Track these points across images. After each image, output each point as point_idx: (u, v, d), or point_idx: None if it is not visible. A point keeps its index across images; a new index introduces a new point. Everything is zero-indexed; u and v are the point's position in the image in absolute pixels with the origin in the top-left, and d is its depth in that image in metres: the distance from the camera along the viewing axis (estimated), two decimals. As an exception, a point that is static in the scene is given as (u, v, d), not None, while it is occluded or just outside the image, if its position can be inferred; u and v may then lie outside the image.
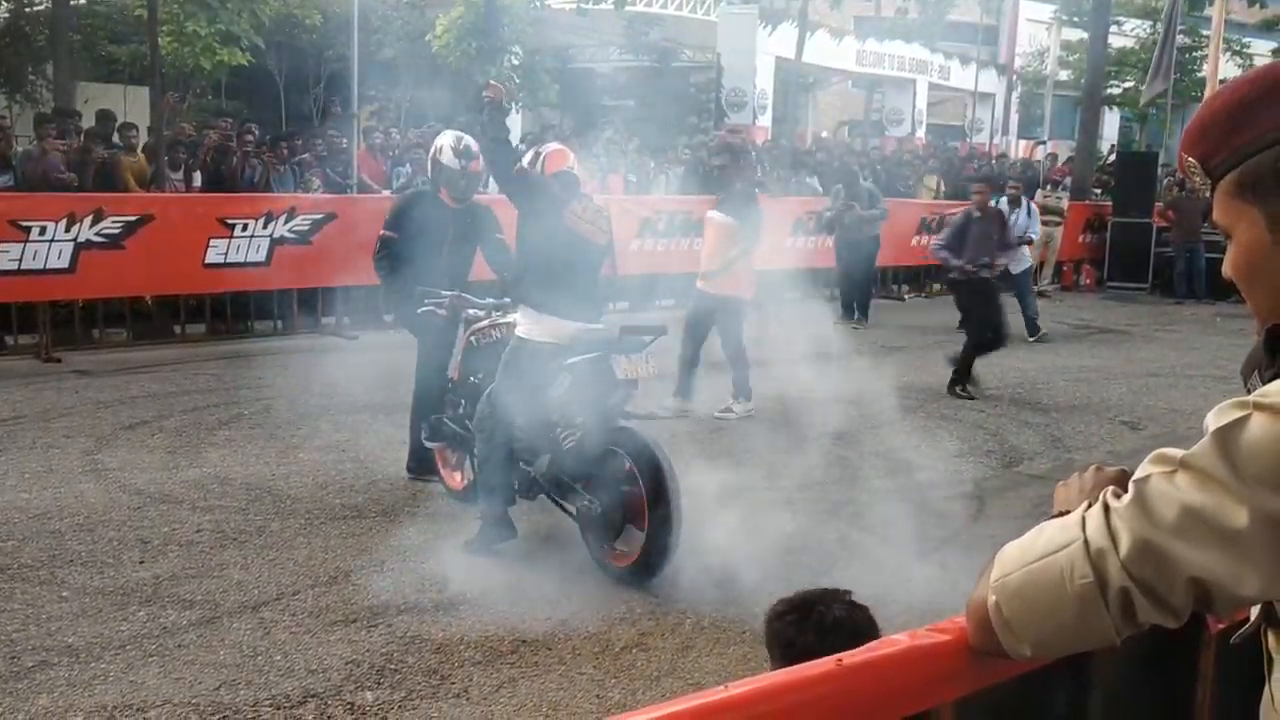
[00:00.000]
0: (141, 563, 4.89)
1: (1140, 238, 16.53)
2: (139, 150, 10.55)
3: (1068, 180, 17.23)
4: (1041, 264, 16.24)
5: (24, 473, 6.05)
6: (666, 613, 4.57)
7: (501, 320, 5.53)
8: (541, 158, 5.16)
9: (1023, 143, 28.30)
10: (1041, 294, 16.05)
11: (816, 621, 2.14)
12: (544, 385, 4.92)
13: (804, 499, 5.95)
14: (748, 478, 6.38)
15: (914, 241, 15.12)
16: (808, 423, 7.84)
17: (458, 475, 5.91)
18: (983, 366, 10.44)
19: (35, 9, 16.53)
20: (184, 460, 6.43)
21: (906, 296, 15.14)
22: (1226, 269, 1.25)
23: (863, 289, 12.88)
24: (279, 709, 3.68)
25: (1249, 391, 1.18)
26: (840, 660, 1.22)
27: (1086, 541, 1.17)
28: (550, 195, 5.02)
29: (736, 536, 5.28)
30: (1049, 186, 16.33)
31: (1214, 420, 1.13)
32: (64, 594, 4.52)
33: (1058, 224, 16.01)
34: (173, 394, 8.09)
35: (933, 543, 5.43)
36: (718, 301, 7.90)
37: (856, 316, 12.62)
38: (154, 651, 4.04)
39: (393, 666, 3.99)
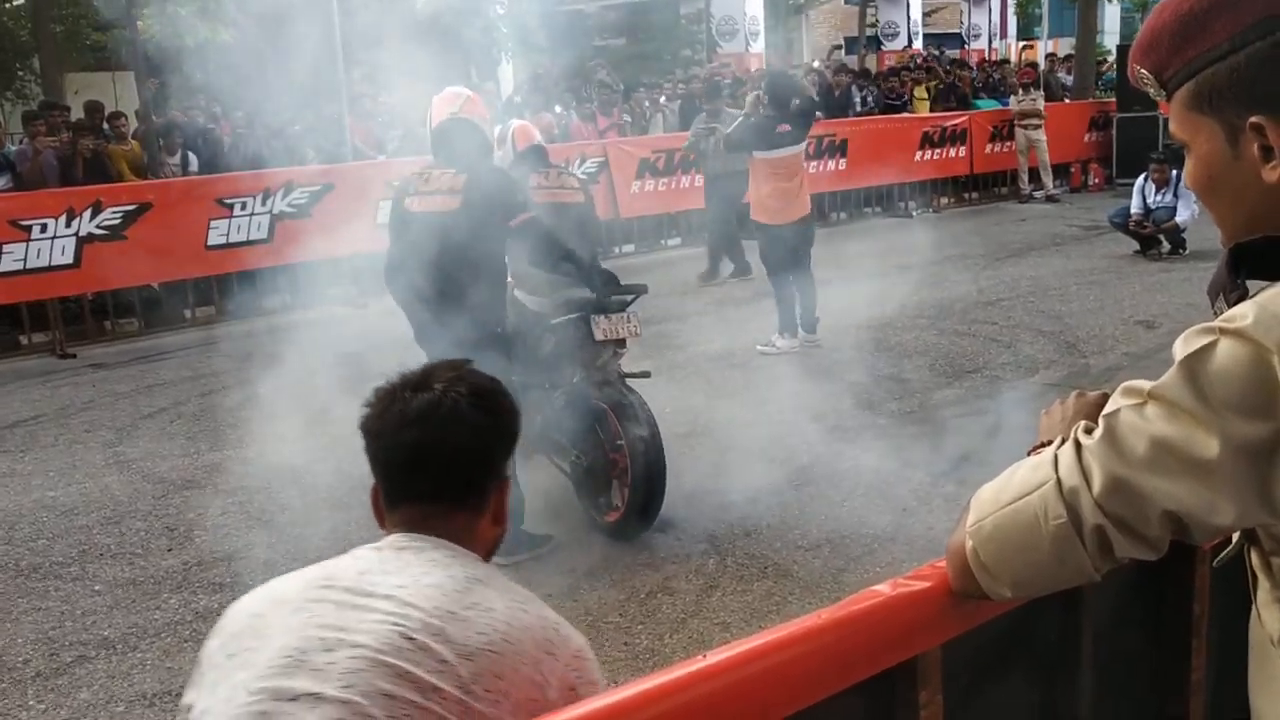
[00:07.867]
0: (170, 550, 4.96)
1: (1146, 132, 16.17)
2: (129, 138, 10.50)
3: (1038, 81, 16.75)
4: (1033, 169, 15.98)
5: (48, 471, 6.12)
6: (689, 555, 4.60)
7: None
8: (510, 133, 5.53)
9: (1021, 44, 27.80)
10: (1051, 198, 15.85)
11: (397, 415, 1.72)
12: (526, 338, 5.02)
13: (816, 427, 5.95)
14: (759, 410, 6.40)
15: (917, 157, 14.94)
16: (814, 346, 7.84)
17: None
18: (991, 275, 10.36)
19: (14, 3, 16.41)
20: (204, 445, 6.49)
21: (915, 213, 14.98)
22: (1187, 180, 1.23)
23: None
24: (314, 684, 3.74)
25: (1216, 314, 1.16)
26: (820, 614, 1.22)
27: (1059, 481, 1.16)
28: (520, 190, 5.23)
29: (752, 471, 5.31)
30: (1021, 91, 15.97)
31: (1181, 348, 1.12)
32: (96, 588, 4.59)
33: (1037, 127, 15.68)
34: (188, 379, 8.14)
35: (950, 462, 5.43)
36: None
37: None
38: (189, 637, 4.10)
39: (423, 632, 4.03)
